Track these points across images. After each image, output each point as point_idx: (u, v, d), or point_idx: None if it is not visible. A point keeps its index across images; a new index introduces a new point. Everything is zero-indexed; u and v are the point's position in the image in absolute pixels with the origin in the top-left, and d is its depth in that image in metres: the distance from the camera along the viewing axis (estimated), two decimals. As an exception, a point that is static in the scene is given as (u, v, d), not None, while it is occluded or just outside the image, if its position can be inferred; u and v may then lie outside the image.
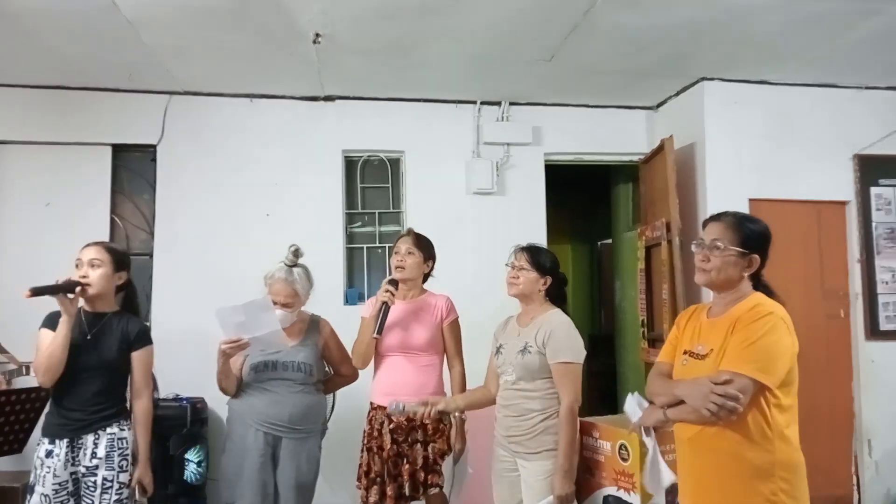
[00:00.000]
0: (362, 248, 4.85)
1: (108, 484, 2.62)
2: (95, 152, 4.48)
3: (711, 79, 4.44)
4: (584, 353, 2.67)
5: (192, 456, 4.00)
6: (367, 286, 4.80)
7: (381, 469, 3.01)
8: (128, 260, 2.85)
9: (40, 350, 2.62)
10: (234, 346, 2.81)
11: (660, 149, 4.55)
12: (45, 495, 2.57)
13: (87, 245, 2.74)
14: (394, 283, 3.06)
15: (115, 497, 2.63)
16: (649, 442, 2.23)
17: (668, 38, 3.80)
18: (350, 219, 4.83)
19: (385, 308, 2.99)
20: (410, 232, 3.24)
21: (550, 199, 4.96)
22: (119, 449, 2.66)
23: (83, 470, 2.63)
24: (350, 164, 4.86)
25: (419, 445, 3.02)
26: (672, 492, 2.32)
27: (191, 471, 3.99)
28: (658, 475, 2.21)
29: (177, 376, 4.17)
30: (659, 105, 4.99)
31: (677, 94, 4.74)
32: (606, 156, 5.12)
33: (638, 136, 5.05)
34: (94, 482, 2.61)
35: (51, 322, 2.64)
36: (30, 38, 3.68)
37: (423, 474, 3.01)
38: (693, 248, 2.20)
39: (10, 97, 4.37)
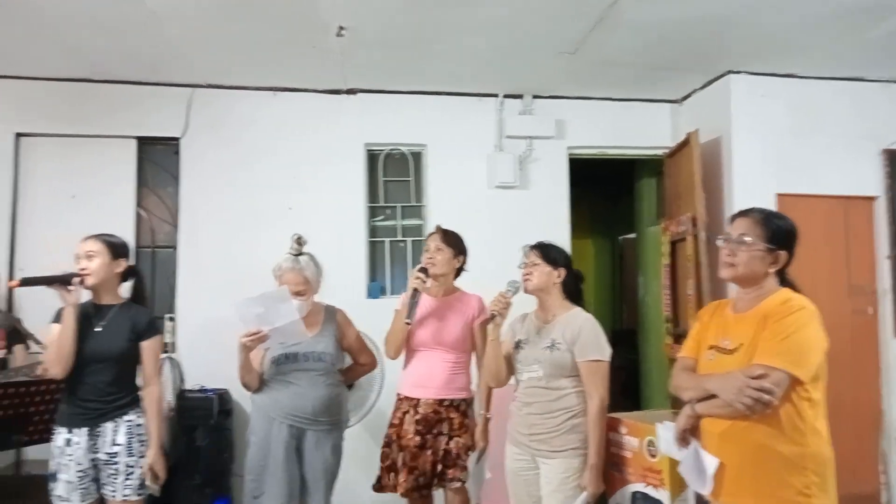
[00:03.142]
0: (384, 241, 4.85)
1: (131, 470, 2.70)
2: (121, 145, 4.52)
3: (738, 72, 4.39)
4: (610, 350, 2.67)
5: (217, 447, 4.02)
6: (389, 280, 4.81)
7: (398, 458, 3.03)
8: (126, 249, 2.88)
9: (50, 343, 2.68)
10: (255, 339, 2.83)
11: (685, 143, 4.50)
12: (69, 482, 2.64)
13: (85, 239, 2.79)
14: (424, 270, 3.06)
15: (136, 482, 2.70)
16: (684, 454, 2.20)
17: (694, 31, 3.76)
18: (372, 212, 4.83)
19: (416, 294, 2.99)
20: (439, 228, 3.23)
21: (570, 194, 4.93)
22: (138, 436, 2.73)
23: (104, 457, 2.68)
24: (372, 157, 4.86)
25: (443, 438, 3.03)
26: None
27: (216, 462, 4.01)
28: (702, 465, 2.17)
29: (201, 368, 4.22)
30: (684, 98, 4.94)
31: (703, 87, 4.69)
32: (630, 149, 5.08)
33: (662, 129, 5.00)
34: (117, 469, 2.68)
35: (59, 317, 2.69)
36: (54, 30, 3.70)
37: (443, 467, 3.01)
38: (719, 242, 2.19)
39: (35, 90, 4.41)
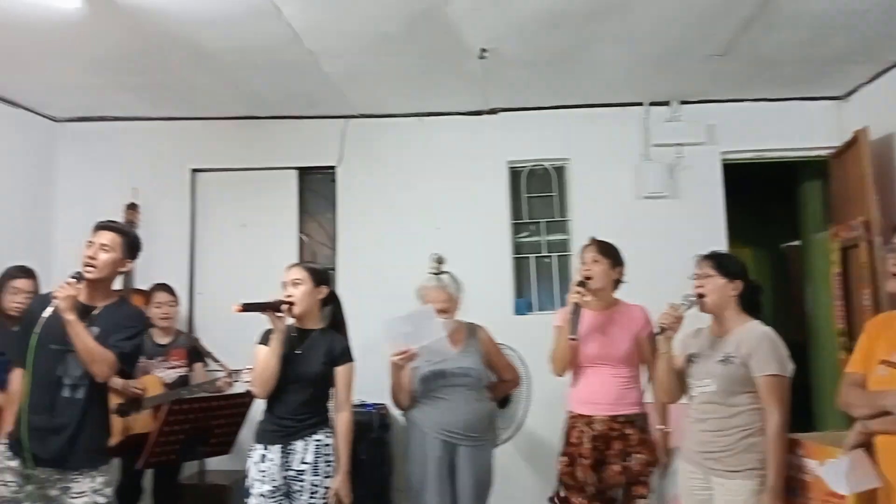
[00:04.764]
0: (529, 257, 4.86)
1: (315, 489, 2.77)
2: (283, 176, 4.87)
3: (910, 62, 4.01)
4: (792, 366, 2.52)
5: (378, 460, 4.17)
6: (535, 296, 4.81)
7: (583, 477, 2.93)
8: (326, 276, 3.03)
9: (256, 364, 2.86)
10: (404, 357, 2.92)
11: (853, 141, 4.17)
12: (262, 496, 2.76)
13: (290, 266, 2.95)
14: (582, 283, 3.00)
15: (321, 502, 2.77)
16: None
17: (859, 20, 3.47)
18: (516, 229, 4.86)
19: (577, 309, 2.94)
20: (593, 240, 3.14)
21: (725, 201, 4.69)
22: (324, 456, 2.81)
23: (293, 474, 2.78)
24: (515, 174, 4.89)
25: (622, 455, 2.92)
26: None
27: (377, 475, 4.16)
28: (865, 475, 2.01)
29: (360, 383, 4.39)
30: (849, 94, 4.57)
31: (870, 80, 4.31)
32: (790, 151, 4.76)
33: (825, 128, 4.63)
34: (303, 486, 2.77)
35: (265, 338, 2.87)
36: (223, 74, 4.06)
37: (627, 484, 2.91)
38: (885, 252, 2.02)
39: (207, 129, 4.86)
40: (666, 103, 4.72)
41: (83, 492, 2.57)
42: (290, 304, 2.83)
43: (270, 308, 2.78)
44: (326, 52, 3.76)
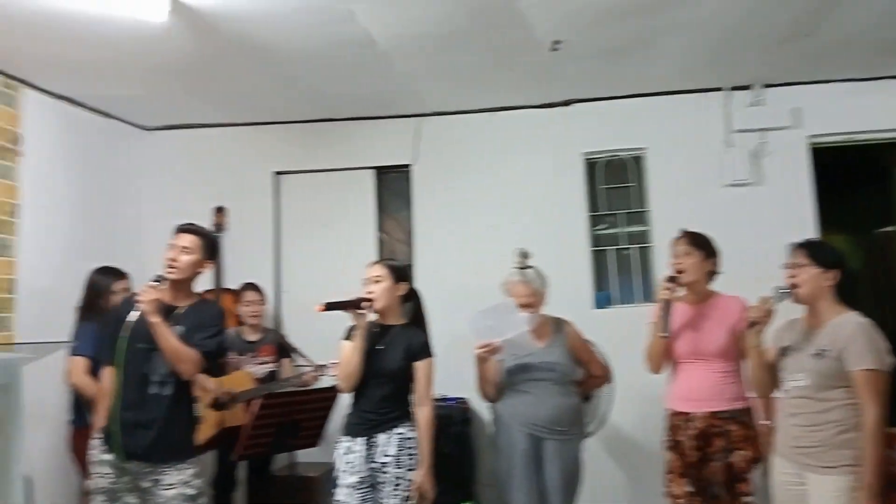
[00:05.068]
0: (608, 250, 4.80)
1: (398, 481, 2.82)
2: (361, 176, 4.98)
3: None
4: (891, 359, 2.41)
5: (460, 454, 4.22)
6: (615, 289, 4.75)
7: (687, 471, 2.89)
8: (406, 272, 3.09)
9: (341, 360, 2.95)
10: (488, 350, 2.95)
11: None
12: (350, 486, 2.84)
13: (370, 264, 3.03)
14: (672, 279, 2.95)
15: (404, 494, 2.82)
16: None
17: (960, -12, 3.27)
18: (594, 221, 4.80)
19: (667, 305, 2.90)
20: (684, 232, 3.06)
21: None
22: (407, 449, 2.86)
23: (377, 466, 2.85)
24: (590, 165, 4.84)
25: (724, 452, 2.85)
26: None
27: (460, 468, 4.21)
28: None
29: (440, 377, 4.45)
30: (945, 69, 4.30)
31: (970, 54, 4.05)
32: (882, 133, 4.52)
33: (919, 106, 4.39)
34: (386, 478, 2.83)
35: (349, 334, 2.95)
36: (300, 79, 4.18)
37: (730, 482, 2.84)
38: None
39: (288, 133, 5.01)
40: (748, 87, 4.56)
41: (173, 484, 2.68)
42: (371, 301, 2.90)
43: (352, 306, 2.85)
44: (399, 53, 3.82)
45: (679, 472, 2.92)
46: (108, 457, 2.71)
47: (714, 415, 2.86)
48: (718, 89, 4.58)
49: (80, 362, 3.34)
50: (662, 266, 4.37)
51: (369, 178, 4.99)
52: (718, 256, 3.03)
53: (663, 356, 2.99)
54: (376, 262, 3.04)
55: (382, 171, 5.02)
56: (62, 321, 3.57)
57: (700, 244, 2.99)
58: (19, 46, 3.56)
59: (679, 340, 2.95)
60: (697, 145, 4.60)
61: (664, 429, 3.04)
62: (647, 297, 4.62)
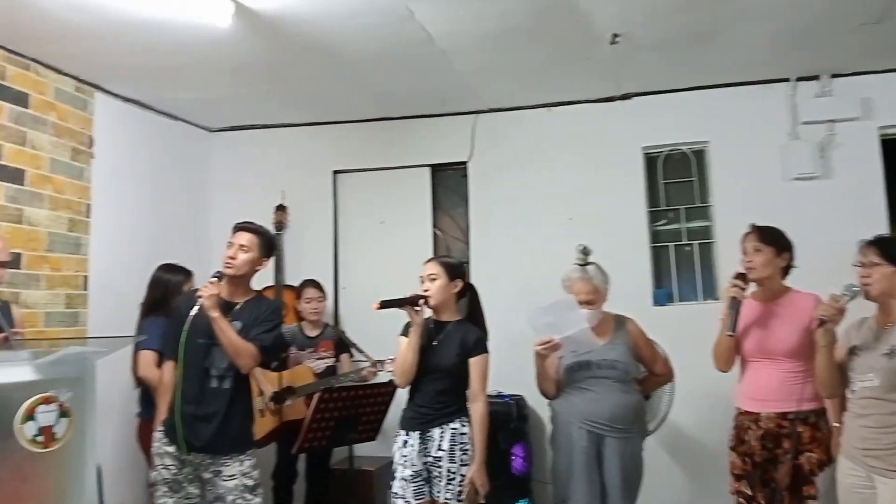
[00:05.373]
0: (668, 246, 4.71)
1: (452, 476, 2.86)
2: (417, 174, 5.01)
3: None
4: None
5: (518, 451, 4.22)
6: (675, 286, 4.66)
7: (753, 472, 2.84)
8: (461, 269, 3.11)
9: (398, 356, 3.00)
10: (547, 347, 2.94)
11: None
12: (405, 479, 2.90)
13: (426, 261, 3.06)
14: (742, 275, 2.87)
15: (458, 489, 2.85)
16: None
17: None
18: (653, 217, 4.72)
19: (734, 303, 2.83)
20: (754, 227, 2.97)
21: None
22: (460, 444, 2.89)
23: (431, 460, 2.90)
24: (650, 160, 4.75)
25: (792, 454, 2.77)
26: None
27: (517, 465, 4.21)
28: None
29: (497, 374, 4.44)
30: None
31: None
32: (960, 122, 4.31)
33: None
34: (440, 472, 2.87)
35: (405, 330, 2.99)
36: (359, 78, 4.24)
37: (795, 484, 2.77)
38: None
39: (346, 132, 5.09)
40: (815, 78, 4.40)
41: (233, 475, 2.77)
42: (426, 298, 2.92)
43: (407, 303, 2.89)
44: (457, 50, 3.83)
45: (743, 473, 2.85)
46: (171, 449, 2.81)
47: (782, 416, 2.79)
48: (784, 80, 4.44)
49: (149, 356, 3.45)
50: (725, 262, 4.30)
51: (426, 176, 5.02)
52: (792, 250, 2.93)
53: (731, 354, 2.93)
54: (431, 260, 3.07)
55: (439, 169, 5.05)
56: (130, 318, 3.71)
57: (770, 240, 2.90)
58: (91, 53, 3.72)
59: (747, 338, 2.88)
60: (762, 138, 4.46)
61: (731, 428, 2.98)
62: (708, 294, 4.52)
